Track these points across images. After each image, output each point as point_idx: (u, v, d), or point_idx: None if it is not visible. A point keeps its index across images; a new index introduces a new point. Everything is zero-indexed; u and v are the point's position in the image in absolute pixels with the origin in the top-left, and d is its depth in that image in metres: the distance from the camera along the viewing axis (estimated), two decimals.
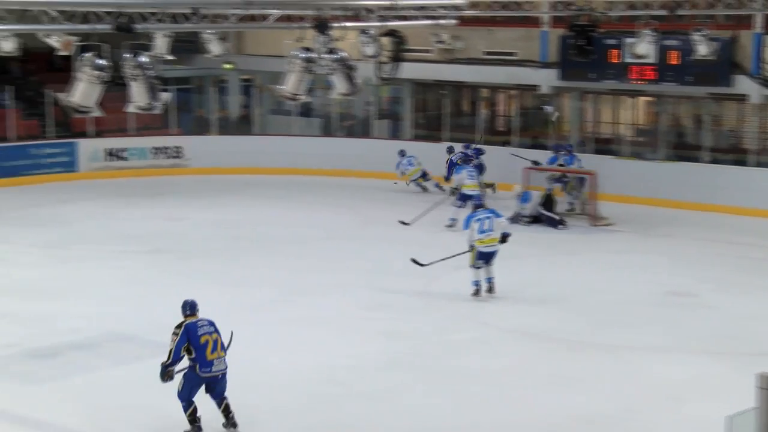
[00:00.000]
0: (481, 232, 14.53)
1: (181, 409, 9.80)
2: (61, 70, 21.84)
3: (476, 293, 14.68)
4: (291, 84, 14.47)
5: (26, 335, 12.91)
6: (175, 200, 22.45)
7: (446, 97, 25.76)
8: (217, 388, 9.92)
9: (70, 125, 25.45)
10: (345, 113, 27.62)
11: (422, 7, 19.23)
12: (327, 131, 27.47)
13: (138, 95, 12.83)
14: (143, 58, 12.76)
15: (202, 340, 9.78)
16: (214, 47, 19.35)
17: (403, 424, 10.43)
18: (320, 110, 27.77)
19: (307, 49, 14.52)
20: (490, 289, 14.75)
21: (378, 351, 12.58)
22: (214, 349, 9.81)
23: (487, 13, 21.46)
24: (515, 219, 19.43)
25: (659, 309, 14.53)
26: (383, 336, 13.16)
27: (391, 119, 27.77)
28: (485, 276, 14.72)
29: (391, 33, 19.74)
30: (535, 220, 19.84)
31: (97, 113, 13.00)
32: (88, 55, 12.54)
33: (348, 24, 18.02)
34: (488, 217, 14.65)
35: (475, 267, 14.66)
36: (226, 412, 9.98)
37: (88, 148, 25.33)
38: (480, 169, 21.63)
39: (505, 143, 23.48)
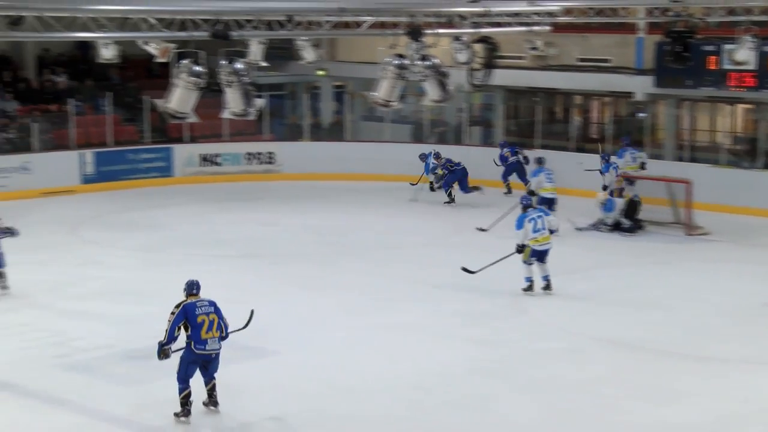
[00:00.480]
0: (535, 231, 14.88)
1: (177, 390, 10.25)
2: (158, 76, 22.35)
3: (529, 288, 14.99)
4: (383, 90, 14.53)
5: (122, 337, 13.15)
6: (267, 205, 22.69)
7: (538, 103, 25.57)
8: (209, 367, 10.41)
9: (167, 131, 25.94)
10: (437, 120, 27.60)
11: (516, 14, 19.10)
12: (418, 138, 27.48)
13: (233, 101, 13.01)
14: (238, 65, 12.94)
15: (199, 319, 10.22)
16: (308, 54, 19.49)
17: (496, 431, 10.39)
18: (412, 117, 27.80)
19: (400, 56, 14.56)
20: (548, 287, 15.02)
21: (468, 358, 12.53)
22: (210, 329, 10.24)
23: (582, 19, 21.22)
24: (597, 226, 19.34)
25: (755, 320, 14.20)
26: (473, 343, 13.10)
27: (482, 126, 27.67)
28: (541, 274, 14.99)
29: (484, 39, 19.67)
30: (616, 227, 19.56)
31: (193, 119, 13.23)
32: (185, 62, 12.77)
33: (441, 31, 18.01)
34: (540, 216, 14.99)
35: (528, 263, 14.96)
36: (211, 390, 10.50)
37: (183, 153, 25.78)
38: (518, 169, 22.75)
39: (595, 151, 23.16)
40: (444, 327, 13.85)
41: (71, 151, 24.39)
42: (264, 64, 18.80)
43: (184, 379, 10.34)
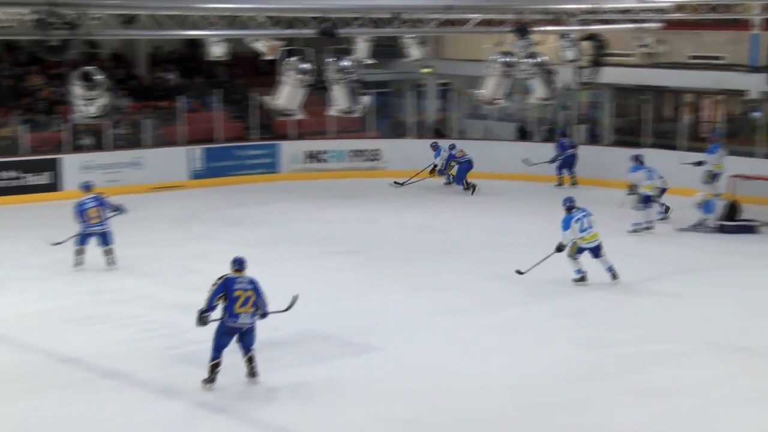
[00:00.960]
0: (582, 230, 15.23)
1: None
2: (266, 74, 22.60)
3: (582, 279, 15.32)
4: (489, 88, 14.46)
5: None
6: (371, 202, 22.77)
7: (647, 102, 25.11)
8: (245, 340, 11.07)
9: (273, 128, 26.25)
10: (542, 118, 27.35)
11: (625, 11, 18.80)
12: (524, 136, 27.26)
13: (339, 99, 13.10)
14: (345, 63, 13.01)
15: (236, 293, 10.88)
16: (414, 51, 19.50)
17: None
18: (517, 115, 27.60)
19: (507, 53, 14.46)
20: (614, 276, 15.33)
21: (572, 359, 12.36)
22: (244, 304, 10.89)
23: (694, 16, 20.78)
24: (697, 227, 18.93)
25: None
26: (577, 344, 12.93)
27: (589, 124, 27.31)
28: (604, 267, 15.31)
29: (592, 37, 19.40)
30: (720, 229, 19.07)
31: (300, 116, 13.35)
32: (292, 59, 12.90)
33: (548, 28, 17.82)
34: (585, 216, 15.31)
35: (574, 258, 15.33)
36: (250, 361, 11.17)
37: (289, 150, 26.05)
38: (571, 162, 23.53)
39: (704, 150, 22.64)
40: (548, 327, 13.71)
41: (180, 147, 24.88)
42: (370, 61, 18.88)
43: (216, 348, 11.01)
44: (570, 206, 15.43)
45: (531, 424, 10.49)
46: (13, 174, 22.31)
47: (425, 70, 28.20)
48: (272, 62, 15.43)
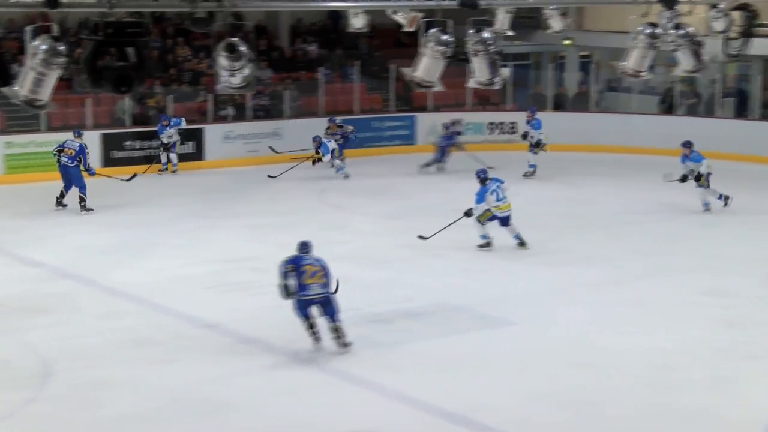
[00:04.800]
0: (498, 200, 15.72)
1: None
2: (405, 45, 22.63)
3: (488, 245, 15.88)
4: (633, 60, 14.06)
5: (364, 301, 13.43)
6: (508, 175, 22.39)
7: None
8: (325, 311, 11.44)
9: (411, 100, 26.26)
10: (687, 91, 26.57)
11: None
12: (667, 109, 26.57)
13: (479, 71, 12.96)
14: (486, 34, 12.86)
15: (303, 268, 11.36)
16: (555, 23, 19.11)
17: (747, 417, 9.94)
18: (660, 87, 26.87)
19: (652, 25, 14.05)
20: (522, 243, 15.93)
21: (714, 337, 12.06)
22: (312, 276, 11.34)
23: None
24: None
25: None
26: (720, 321, 12.62)
27: (736, 98, 26.41)
28: (511, 234, 15.90)
29: (743, 6, 18.66)
30: None
31: (438, 88, 13.27)
32: (432, 31, 12.80)
33: None
34: (498, 186, 15.83)
35: (482, 224, 15.82)
36: (336, 331, 11.46)
37: (426, 122, 26.02)
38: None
39: None
40: (688, 304, 13.38)
41: (319, 119, 25.12)
42: (510, 33, 18.61)
43: (300, 317, 11.52)
44: (484, 178, 15.80)
45: (674, 403, 10.24)
46: (158, 143, 22.92)
47: (566, 42, 27.70)
48: (412, 34, 15.38)
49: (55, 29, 11.07)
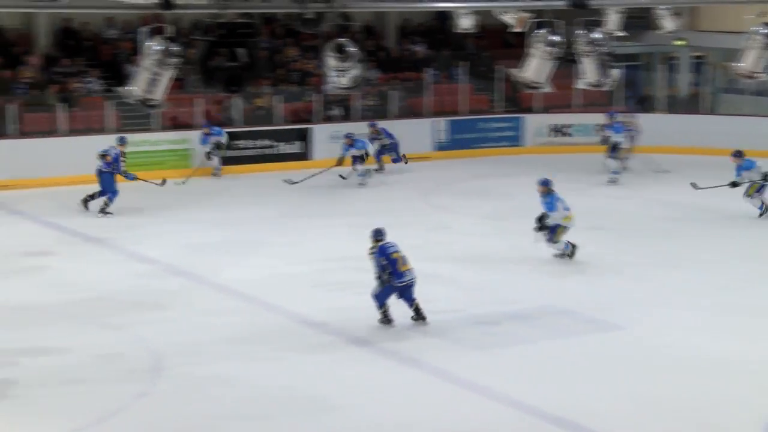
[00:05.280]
0: (566, 209, 15.13)
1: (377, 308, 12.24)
2: (513, 46, 22.47)
3: (571, 253, 15.34)
4: (749, 61, 13.72)
5: (469, 302, 13.43)
6: (620, 178, 22.19)
7: None
8: (406, 294, 12.13)
9: (518, 101, 26.10)
10: None
11: None
12: None
13: (589, 72, 12.84)
14: (596, 35, 12.73)
15: (393, 255, 12.02)
16: (668, 23, 18.77)
17: None
18: None
19: None
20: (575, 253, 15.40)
21: None
22: (405, 262, 12.03)
23: None
24: None
25: None
26: None
27: None
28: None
29: None
30: None
31: (547, 89, 13.19)
32: (541, 31, 12.72)
33: None
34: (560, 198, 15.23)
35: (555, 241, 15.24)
36: (417, 310, 12.24)
37: (533, 123, 25.85)
38: None
39: None
40: None
41: (425, 119, 25.17)
42: (621, 33, 18.35)
43: (381, 303, 12.19)
44: (550, 187, 15.29)
45: None
46: (266, 142, 23.25)
47: (679, 42, 27.17)
48: (520, 34, 15.29)
49: (169, 30, 11.33)
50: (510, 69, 13.87)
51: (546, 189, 15.22)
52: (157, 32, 11.32)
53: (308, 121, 24.15)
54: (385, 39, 28.17)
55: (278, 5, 14.12)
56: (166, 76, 11.46)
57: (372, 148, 22.39)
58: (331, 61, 12.05)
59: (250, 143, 23.28)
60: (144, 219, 18.38)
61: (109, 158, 18.61)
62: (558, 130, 25.85)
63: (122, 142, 19.41)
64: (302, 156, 23.76)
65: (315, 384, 10.75)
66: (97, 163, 18.60)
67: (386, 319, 12.33)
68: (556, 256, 15.32)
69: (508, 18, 16.09)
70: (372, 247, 12.28)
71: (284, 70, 25.42)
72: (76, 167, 19.79)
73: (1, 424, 9.68)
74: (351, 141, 21.59)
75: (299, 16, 12.42)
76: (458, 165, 23.93)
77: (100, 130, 22.24)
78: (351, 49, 12.00)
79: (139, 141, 22.10)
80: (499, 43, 26.77)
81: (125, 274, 14.85)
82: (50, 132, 21.41)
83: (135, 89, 11.61)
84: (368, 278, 13.79)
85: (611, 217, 18.55)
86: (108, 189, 18.58)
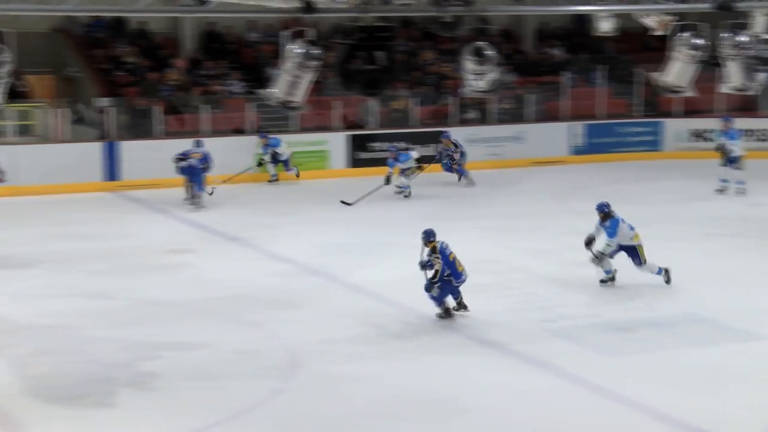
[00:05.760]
0: (631, 229, 13.92)
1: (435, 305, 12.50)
2: (654, 49, 22.06)
3: (612, 279, 14.07)
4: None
5: (603, 308, 13.29)
6: (761, 184, 21.55)
7: None
8: (455, 292, 12.51)
9: (657, 105, 25.61)
10: None
11: None
12: None
13: (733, 76, 12.54)
14: (742, 38, 12.42)
15: (451, 257, 12.28)
16: None
17: None
18: None
19: None
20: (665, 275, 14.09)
21: None
22: (460, 263, 12.35)
23: None
24: None
25: None
26: None
27: None
28: (653, 270, 14.07)
29: None
30: None
31: (689, 93, 12.94)
32: (685, 34, 12.48)
33: None
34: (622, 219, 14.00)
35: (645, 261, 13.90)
36: (460, 301, 12.61)
37: (673, 127, 25.34)
38: None
39: None
40: None
41: (562, 123, 24.94)
42: None
43: (440, 301, 12.45)
44: (609, 211, 13.91)
45: None
46: (402, 145, 23.39)
47: None
48: (661, 38, 15.04)
49: (310, 34, 11.53)
50: (650, 73, 13.64)
51: (605, 214, 13.96)
52: (298, 36, 11.54)
53: (444, 124, 24.21)
54: (522, 42, 28.02)
55: (417, 9, 14.20)
56: (307, 79, 11.67)
57: (411, 161, 20.84)
58: (469, 64, 12.08)
59: (385, 145, 23.45)
60: (281, 218, 18.75)
61: (198, 155, 19.58)
62: (699, 135, 25.25)
63: (200, 144, 20.11)
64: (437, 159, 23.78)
65: (447, 386, 10.77)
66: (190, 162, 19.41)
67: (447, 314, 12.58)
68: (602, 282, 14.11)
69: (650, 21, 15.79)
70: (432, 249, 12.32)
71: (421, 73, 25.55)
72: (217, 167, 20.32)
73: (143, 415, 10.00)
74: (395, 155, 20.75)
75: (437, 19, 12.48)
76: (594, 169, 23.62)
77: (241, 132, 22.80)
78: (489, 52, 12.01)
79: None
80: (639, 47, 26.32)
81: (263, 272, 15.16)
82: (193, 133, 22.03)
83: (276, 92, 11.87)
84: (502, 281, 13.84)
85: (752, 224, 18.02)
86: (200, 182, 19.56)
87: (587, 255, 13.91)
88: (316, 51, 11.44)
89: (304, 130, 23.22)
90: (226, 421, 9.85)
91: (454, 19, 12.39)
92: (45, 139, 21.91)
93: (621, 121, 25.57)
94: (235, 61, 24.75)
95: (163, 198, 20.35)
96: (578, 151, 24.96)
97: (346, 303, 13.66)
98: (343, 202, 19.50)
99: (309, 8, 11.35)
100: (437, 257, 12.25)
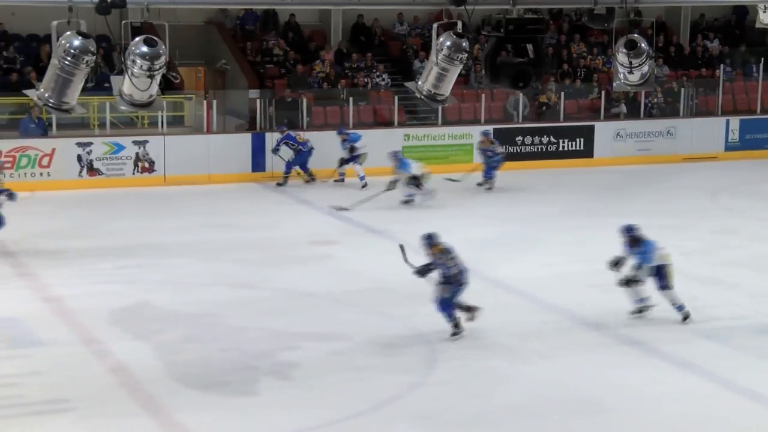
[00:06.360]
0: (658, 249, 12.31)
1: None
2: None
3: (646, 308, 12.44)
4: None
5: (754, 310, 12.84)
6: None
7: None
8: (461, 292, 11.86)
9: None
10: None
11: None
12: None
13: None
14: None
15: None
16: None
17: None
18: None
19: None
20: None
21: None
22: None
23: None
24: None
25: None
26: None
27: None
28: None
29: None
30: None
31: None
32: None
33: None
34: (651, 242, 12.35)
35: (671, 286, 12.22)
36: (466, 306, 11.89)
37: None
38: None
39: None
40: None
41: (717, 118, 24.15)
42: None
43: (452, 316, 11.76)
44: (638, 235, 12.29)
45: None
46: (547, 139, 23.06)
47: None
48: None
49: (459, 26, 11.38)
50: None
51: (633, 238, 12.35)
52: (447, 28, 11.41)
53: (592, 119, 23.73)
54: (676, 35, 27.24)
55: (569, 0, 13.91)
56: (454, 72, 11.53)
57: (418, 169, 19.18)
58: (621, 57, 11.73)
59: (532, 140, 23.14)
60: (427, 212, 18.65)
61: (302, 138, 20.79)
62: None
63: (283, 129, 20.91)
64: (584, 154, 23.37)
65: (587, 384, 10.56)
66: (303, 147, 20.66)
67: (458, 328, 11.83)
68: (633, 313, 12.52)
69: None
70: (440, 252, 11.76)
71: (569, 66, 25.11)
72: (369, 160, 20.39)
73: (283, 404, 10.10)
74: (397, 160, 19.30)
75: (589, 11, 12.16)
76: (750, 166, 22.79)
77: (387, 124, 22.84)
78: (643, 45, 11.63)
79: (422, 135, 22.50)
80: None
81: (403, 266, 15.11)
82: (339, 125, 22.15)
83: (423, 84, 11.76)
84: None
85: None
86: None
87: (616, 277, 12.54)
88: (464, 43, 11.28)
89: (448, 123, 23.09)
90: (363, 414, 9.86)
91: (607, 11, 12.05)
92: (195, 130, 22.42)
93: None
94: (382, 54, 24.82)
95: (307, 189, 20.57)
96: (732, 147, 24.13)
97: (487, 299, 13.46)
98: (338, 208, 18.82)
99: (458, 0, 11.21)
100: (451, 258, 11.72)
